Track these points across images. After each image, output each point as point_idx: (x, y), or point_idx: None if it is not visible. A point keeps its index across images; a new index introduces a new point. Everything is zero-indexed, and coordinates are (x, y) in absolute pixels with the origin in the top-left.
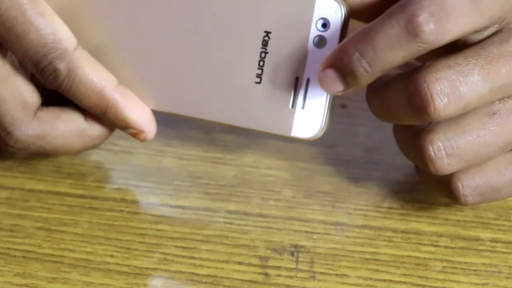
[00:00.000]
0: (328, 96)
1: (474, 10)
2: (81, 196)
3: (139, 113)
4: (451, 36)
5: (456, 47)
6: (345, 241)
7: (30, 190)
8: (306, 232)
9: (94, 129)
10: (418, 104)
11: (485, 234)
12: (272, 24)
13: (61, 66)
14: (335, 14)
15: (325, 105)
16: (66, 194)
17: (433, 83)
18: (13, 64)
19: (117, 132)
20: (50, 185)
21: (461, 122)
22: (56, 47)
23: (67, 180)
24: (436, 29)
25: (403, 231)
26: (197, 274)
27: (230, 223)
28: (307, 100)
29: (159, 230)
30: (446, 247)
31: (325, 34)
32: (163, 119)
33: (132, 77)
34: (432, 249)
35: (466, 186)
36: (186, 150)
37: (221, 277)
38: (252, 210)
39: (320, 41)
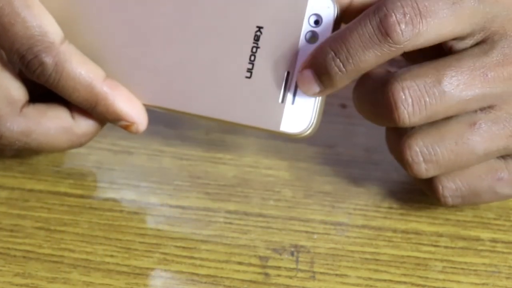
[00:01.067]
0: None
1: (452, 15)
2: (81, 196)
3: (129, 105)
4: (426, 38)
5: (443, 53)
6: (345, 241)
7: (30, 190)
8: (306, 232)
9: (81, 127)
10: (383, 111)
11: (485, 234)
12: (264, 19)
13: (48, 59)
14: (328, 10)
15: (315, 101)
16: (66, 194)
17: (398, 92)
18: (0, 59)
19: (117, 132)
20: (50, 185)
21: (441, 129)
22: (42, 39)
23: (67, 180)
24: (407, 30)
25: (403, 231)
26: (197, 274)
27: (230, 223)
28: (297, 95)
29: (159, 230)
30: (446, 247)
31: (317, 29)
32: (163, 119)
33: (122, 71)
34: (432, 249)
35: (446, 187)
36: (186, 150)
37: (221, 277)
38: (252, 210)
39: (312, 37)
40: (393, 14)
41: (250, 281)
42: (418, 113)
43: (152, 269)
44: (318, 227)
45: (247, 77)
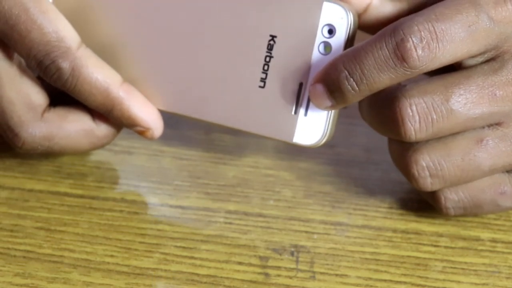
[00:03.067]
0: None
1: (468, 38)
2: (81, 196)
3: (145, 110)
4: (441, 62)
5: (451, 67)
6: (345, 241)
7: (30, 190)
8: (306, 232)
9: (102, 129)
10: (390, 126)
11: (485, 234)
12: (278, 29)
13: (64, 64)
14: (342, 21)
15: (328, 113)
16: (66, 194)
17: (406, 108)
18: (19, 66)
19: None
20: (50, 185)
21: (448, 144)
22: (58, 45)
23: (67, 180)
24: (424, 55)
25: (403, 231)
26: (197, 274)
27: (230, 223)
28: (310, 107)
29: (159, 230)
30: (446, 247)
31: (330, 40)
32: (163, 119)
33: (138, 76)
34: (432, 249)
35: (449, 199)
36: (186, 150)
37: (221, 277)
38: (252, 210)
39: (326, 48)
40: (410, 38)
41: (250, 281)
42: (425, 130)
43: (152, 269)
44: (318, 227)
45: (260, 86)
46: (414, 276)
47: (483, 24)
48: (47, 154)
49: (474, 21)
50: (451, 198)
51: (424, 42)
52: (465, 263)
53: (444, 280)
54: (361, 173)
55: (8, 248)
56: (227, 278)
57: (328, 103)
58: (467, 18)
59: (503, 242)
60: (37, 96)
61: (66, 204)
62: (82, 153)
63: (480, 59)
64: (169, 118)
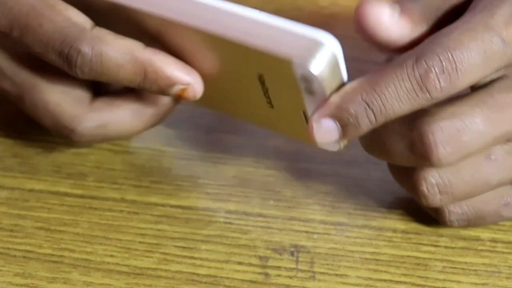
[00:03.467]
0: None
1: (484, 63)
2: (81, 196)
3: (179, 66)
4: (459, 88)
5: None
6: (345, 241)
7: (30, 190)
8: (306, 232)
9: (149, 108)
10: (421, 151)
11: (485, 234)
12: (262, 69)
13: (84, 47)
14: (313, 72)
15: None
16: (66, 194)
17: (437, 132)
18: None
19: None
20: (50, 185)
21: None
22: (72, 29)
23: (67, 180)
24: (446, 86)
25: (403, 231)
26: (197, 274)
27: (230, 223)
28: None
29: (159, 230)
30: (446, 247)
31: (311, 86)
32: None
33: None
34: (432, 249)
35: (453, 212)
36: (186, 150)
37: (221, 277)
38: (252, 210)
39: (310, 91)
40: (433, 69)
41: (250, 281)
42: (456, 153)
43: (152, 269)
44: (318, 227)
45: (270, 107)
46: (414, 276)
47: (497, 48)
48: (72, 146)
49: (489, 46)
50: (455, 211)
51: (446, 73)
52: (465, 263)
53: (444, 280)
54: (361, 173)
55: (8, 248)
56: (227, 278)
57: (336, 137)
58: (482, 44)
59: (503, 242)
60: (80, 89)
61: (66, 204)
62: (137, 134)
63: (491, 76)
64: (169, 118)
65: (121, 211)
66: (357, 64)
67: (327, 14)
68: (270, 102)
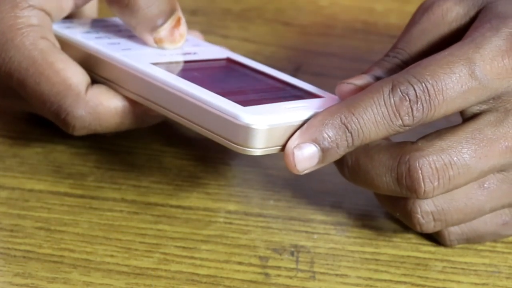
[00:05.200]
0: None
1: (459, 97)
2: (81, 196)
3: None
4: (434, 118)
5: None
6: (345, 241)
7: (30, 190)
8: (306, 232)
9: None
10: (409, 185)
11: None
12: None
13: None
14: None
15: None
16: (66, 194)
17: (425, 167)
18: (56, 49)
19: (117, 132)
20: (50, 185)
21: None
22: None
23: (67, 180)
24: (418, 115)
25: (403, 231)
26: (197, 274)
27: (230, 223)
28: None
29: (159, 230)
30: (446, 247)
31: None
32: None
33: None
34: (432, 249)
35: (452, 232)
36: (186, 150)
37: (221, 277)
38: (252, 210)
39: None
40: (407, 98)
41: (250, 281)
42: (443, 187)
43: (152, 269)
44: (318, 227)
45: None
46: (414, 276)
47: (476, 84)
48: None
49: (467, 81)
50: (454, 231)
51: (419, 103)
52: (465, 263)
53: (444, 280)
54: None
55: (8, 248)
56: (227, 278)
57: (316, 162)
58: (460, 79)
59: (503, 242)
60: (79, 75)
61: (66, 204)
62: (128, 127)
63: (480, 107)
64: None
65: (121, 211)
66: (357, 64)
67: (327, 14)
68: None
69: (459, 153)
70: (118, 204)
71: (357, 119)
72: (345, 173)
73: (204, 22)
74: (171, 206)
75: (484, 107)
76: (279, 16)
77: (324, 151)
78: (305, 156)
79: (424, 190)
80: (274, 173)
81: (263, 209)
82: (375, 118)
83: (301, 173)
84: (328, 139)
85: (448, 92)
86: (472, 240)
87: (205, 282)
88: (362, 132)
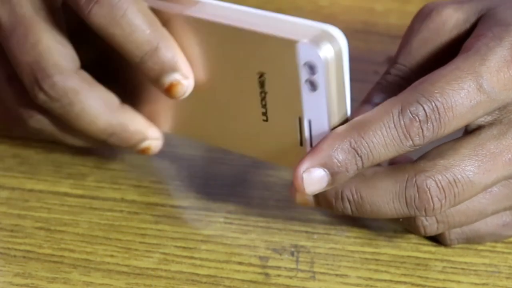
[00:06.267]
0: None
1: (469, 112)
2: (81, 196)
3: (183, 57)
4: (444, 135)
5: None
6: (345, 241)
7: (30, 190)
8: (306, 232)
9: (126, 115)
10: (418, 205)
11: None
12: (263, 66)
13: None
14: (319, 59)
15: None
16: (66, 194)
17: (433, 187)
18: (58, 23)
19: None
20: (50, 185)
21: None
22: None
23: (67, 180)
24: (428, 135)
25: (403, 231)
26: (197, 274)
27: (230, 223)
28: (313, 139)
29: (159, 230)
30: (446, 247)
31: (314, 78)
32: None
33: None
34: (432, 249)
35: (453, 232)
36: (186, 150)
37: (221, 277)
38: (252, 210)
39: (312, 84)
40: (417, 118)
41: (250, 281)
42: (449, 203)
43: (152, 269)
44: (318, 227)
45: (264, 120)
46: (414, 276)
47: (484, 97)
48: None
49: (475, 96)
50: (455, 231)
51: (429, 123)
52: (465, 263)
53: (444, 280)
54: None
55: (8, 248)
56: (227, 278)
57: (324, 185)
58: (469, 94)
59: (503, 242)
60: (74, 53)
61: (66, 204)
62: (93, 131)
63: (485, 119)
64: None
65: (121, 211)
66: (356, 64)
67: (327, 14)
68: (265, 113)
69: (462, 171)
70: (118, 204)
71: (367, 142)
72: (348, 209)
73: None
74: (171, 206)
75: (489, 118)
76: None
77: (333, 175)
78: (315, 180)
79: (433, 208)
80: (274, 173)
81: (263, 209)
82: (385, 141)
83: (311, 195)
84: (338, 164)
85: (457, 109)
86: (472, 240)
87: (205, 282)
88: (372, 155)
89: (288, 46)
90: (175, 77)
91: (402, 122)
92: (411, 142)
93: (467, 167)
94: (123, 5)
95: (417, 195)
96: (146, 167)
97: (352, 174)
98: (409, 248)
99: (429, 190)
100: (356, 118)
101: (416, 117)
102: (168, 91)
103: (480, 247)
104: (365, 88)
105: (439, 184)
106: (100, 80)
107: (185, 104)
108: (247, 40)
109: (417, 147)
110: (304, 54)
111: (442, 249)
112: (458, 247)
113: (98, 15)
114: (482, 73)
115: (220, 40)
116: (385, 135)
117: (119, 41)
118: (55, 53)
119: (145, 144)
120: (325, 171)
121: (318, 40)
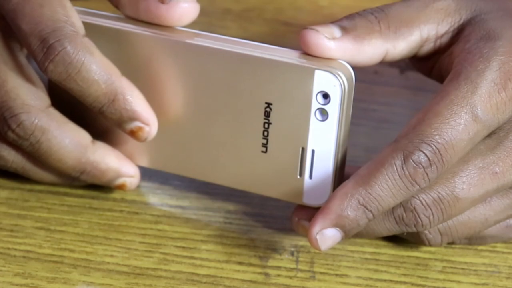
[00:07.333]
0: (334, 166)
1: (469, 143)
2: (81, 196)
3: (144, 104)
4: (445, 170)
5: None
6: (345, 241)
7: (30, 190)
8: None
9: (96, 154)
10: (407, 223)
11: None
12: (273, 96)
13: (70, 46)
14: (335, 88)
15: (332, 175)
16: (66, 194)
17: (418, 206)
18: (27, 60)
19: None
20: (50, 185)
21: None
22: (67, 26)
23: None
24: (432, 176)
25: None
26: (197, 274)
27: (230, 223)
28: (314, 170)
29: (159, 230)
30: (446, 247)
31: (326, 107)
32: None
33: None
34: (432, 249)
35: None
36: None
37: (221, 277)
38: (252, 210)
39: (322, 114)
40: (421, 165)
41: (250, 281)
42: (438, 219)
43: (152, 269)
44: None
45: (263, 151)
46: (414, 276)
47: (481, 126)
48: (24, 168)
49: (472, 127)
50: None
51: (432, 166)
52: (465, 263)
53: (444, 280)
54: None
55: (8, 248)
56: (227, 278)
57: (338, 241)
58: (466, 128)
59: (503, 242)
60: (43, 90)
61: (66, 204)
62: (62, 169)
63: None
64: None
65: (121, 211)
66: None
67: (327, 14)
68: (265, 144)
69: (446, 188)
70: (118, 204)
71: (374, 197)
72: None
73: (204, 22)
74: (171, 206)
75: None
76: (279, 16)
77: (346, 231)
78: (328, 239)
79: (422, 224)
80: None
81: (263, 209)
82: (392, 192)
83: (328, 247)
84: (349, 222)
85: (457, 145)
86: (475, 241)
87: (205, 282)
88: (382, 206)
89: (305, 73)
90: (135, 124)
91: (407, 172)
92: (417, 187)
93: (451, 184)
94: (77, 62)
95: (404, 214)
96: (146, 167)
97: (363, 226)
98: (409, 248)
99: (414, 209)
100: (359, 172)
101: (420, 165)
102: (131, 135)
103: (480, 247)
104: (365, 88)
105: (423, 203)
106: (76, 116)
107: (170, 137)
108: (257, 68)
109: (424, 187)
110: (320, 82)
111: (442, 249)
112: (458, 247)
113: (54, 72)
114: (476, 103)
115: (225, 68)
116: (392, 187)
117: (77, 94)
118: (22, 93)
119: (119, 181)
120: (337, 230)
121: (334, 68)
